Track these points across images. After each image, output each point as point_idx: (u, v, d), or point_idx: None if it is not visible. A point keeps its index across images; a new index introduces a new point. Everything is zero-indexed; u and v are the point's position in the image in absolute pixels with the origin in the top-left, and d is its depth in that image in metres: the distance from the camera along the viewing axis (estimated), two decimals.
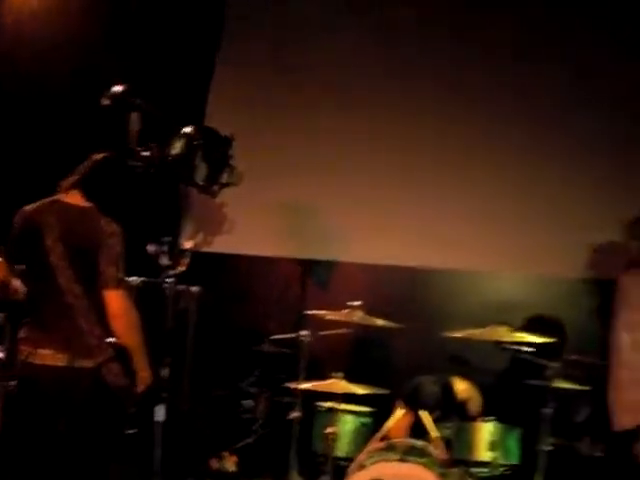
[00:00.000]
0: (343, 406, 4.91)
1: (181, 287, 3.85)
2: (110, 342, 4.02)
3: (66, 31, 6.00)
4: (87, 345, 4.01)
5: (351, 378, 4.79)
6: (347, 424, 4.93)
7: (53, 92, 5.86)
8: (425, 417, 4.73)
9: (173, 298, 3.75)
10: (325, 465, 4.81)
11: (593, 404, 5.06)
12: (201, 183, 4.00)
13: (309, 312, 5.03)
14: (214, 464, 5.40)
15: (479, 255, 5.84)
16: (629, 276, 4.07)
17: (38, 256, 4.04)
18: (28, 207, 4.17)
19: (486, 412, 4.89)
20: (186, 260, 3.77)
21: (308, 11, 6.29)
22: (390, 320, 4.93)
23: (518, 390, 5.02)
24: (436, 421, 4.73)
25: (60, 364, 3.97)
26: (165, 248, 3.74)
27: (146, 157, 3.87)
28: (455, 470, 4.54)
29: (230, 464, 5.38)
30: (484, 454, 4.64)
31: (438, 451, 4.53)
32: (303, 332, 5.05)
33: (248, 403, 5.56)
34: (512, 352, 4.78)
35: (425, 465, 4.32)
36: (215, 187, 4.05)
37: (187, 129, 3.95)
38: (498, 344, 4.69)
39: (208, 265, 5.08)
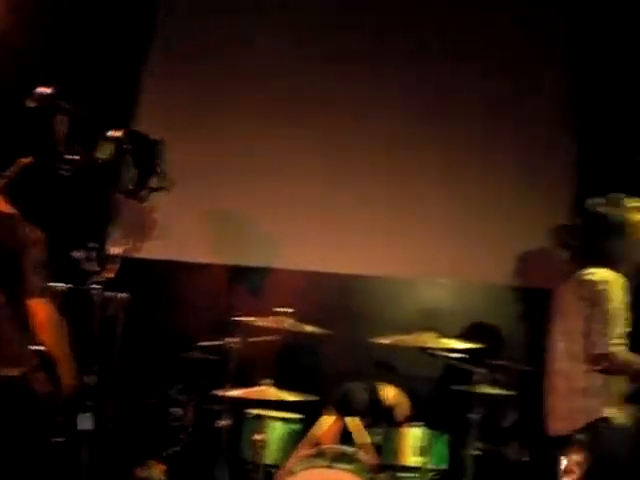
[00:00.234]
0: (272, 413, 4.90)
1: (109, 294, 3.79)
2: (35, 350, 3.95)
3: None
4: (12, 353, 3.93)
5: (280, 385, 4.79)
6: (276, 431, 4.91)
7: None
8: (355, 423, 4.75)
9: (100, 305, 3.69)
10: (255, 472, 4.79)
11: (520, 409, 5.14)
12: (130, 187, 3.95)
13: (238, 318, 5.00)
14: (141, 473, 5.33)
15: (408, 262, 5.89)
16: (564, 285, 4.13)
17: None
18: None
19: (414, 418, 4.93)
20: (114, 266, 3.71)
21: (243, 11, 6.26)
22: (320, 326, 4.94)
23: (446, 396, 5.08)
24: (367, 427, 4.74)
25: None
26: (92, 254, 3.68)
27: (73, 161, 3.80)
28: (383, 476, 4.56)
29: (158, 472, 5.31)
30: (413, 459, 4.67)
31: (368, 457, 4.55)
32: (232, 339, 5.03)
33: (176, 411, 5.50)
34: (440, 358, 4.82)
35: (353, 471, 4.32)
36: (144, 192, 4.00)
37: (116, 133, 3.90)
38: (425, 350, 4.73)
39: (137, 271, 5.01)
